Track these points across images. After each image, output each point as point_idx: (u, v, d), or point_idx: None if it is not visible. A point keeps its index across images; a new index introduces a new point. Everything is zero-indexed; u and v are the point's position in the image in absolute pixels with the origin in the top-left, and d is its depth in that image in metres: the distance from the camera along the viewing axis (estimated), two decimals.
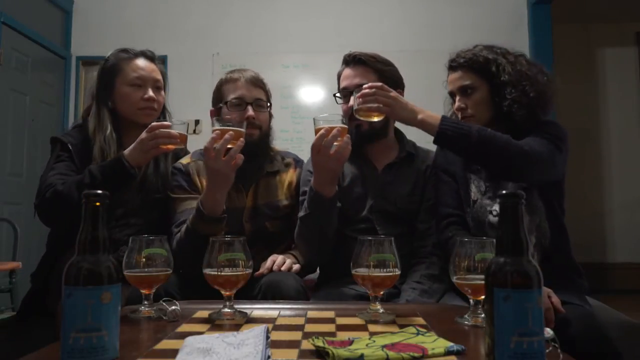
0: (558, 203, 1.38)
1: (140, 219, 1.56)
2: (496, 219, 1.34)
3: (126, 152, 1.42)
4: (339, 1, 4.33)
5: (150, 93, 1.57)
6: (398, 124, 1.64)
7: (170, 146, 1.41)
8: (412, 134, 1.65)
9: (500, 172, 1.36)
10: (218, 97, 1.61)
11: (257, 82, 1.59)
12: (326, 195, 1.37)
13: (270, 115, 1.64)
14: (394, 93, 1.32)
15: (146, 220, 1.57)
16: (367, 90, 1.31)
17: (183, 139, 1.42)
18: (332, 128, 1.29)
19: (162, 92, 1.63)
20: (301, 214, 1.44)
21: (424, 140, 1.64)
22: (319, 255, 1.51)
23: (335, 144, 1.29)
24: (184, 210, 1.49)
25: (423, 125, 1.31)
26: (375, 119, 1.37)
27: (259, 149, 1.56)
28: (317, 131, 1.31)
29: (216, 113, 1.60)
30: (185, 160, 1.61)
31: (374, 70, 1.53)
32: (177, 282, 1.35)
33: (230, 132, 1.30)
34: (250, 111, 1.53)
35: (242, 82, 1.56)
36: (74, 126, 1.64)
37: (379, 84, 1.33)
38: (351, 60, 1.55)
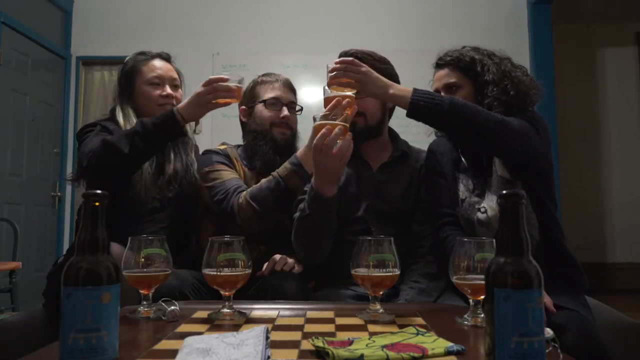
0: (546, 194, 1.35)
1: (166, 216, 1.58)
2: (484, 215, 1.33)
3: (180, 105, 1.40)
4: (338, 1, 4.33)
5: (168, 90, 1.64)
6: (392, 124, 1.65)
7: (228, 100, 1.36)
8: (406, 134, 1.69)
9: (473, 141, 1.35)
10: (251, 96, 1.69)
11: (291, 87, 1.73)
12: (327, 195, 1.35)
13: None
14: (365, 68, 1.30)
15: (172, 217, 1.59)
16: (337, 65, 1.30)
17: (239, 93, 1.36)
18: (334, 126, 1.26)
19: (180, 90, 1.70)
20: (298, 214, 1.42)
21: (416, 140, 1.69)
22: (315, 258, 1.48)
23: (338, 142, 1.26)
24: (231, 178, 1.55)
25: (395, 99, 1.30)
26: (348, 93, 1.33)
27: (289, 148, 1.64)
28: (317, 130, 1.28)
29: (247, 111, 1.69)
30: (220, 146, 1.69)
31: (371, 68, 1.52)
32: (192, 282, 1.35)
33: (340, 126, 1.26)
34: (286, 112, 1.65)
35: (279, 84, 1.69)
36: (99, 121, 1.61)
37: (350, 58, 1.32)
38: None
